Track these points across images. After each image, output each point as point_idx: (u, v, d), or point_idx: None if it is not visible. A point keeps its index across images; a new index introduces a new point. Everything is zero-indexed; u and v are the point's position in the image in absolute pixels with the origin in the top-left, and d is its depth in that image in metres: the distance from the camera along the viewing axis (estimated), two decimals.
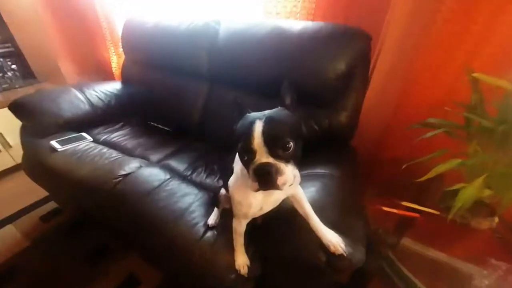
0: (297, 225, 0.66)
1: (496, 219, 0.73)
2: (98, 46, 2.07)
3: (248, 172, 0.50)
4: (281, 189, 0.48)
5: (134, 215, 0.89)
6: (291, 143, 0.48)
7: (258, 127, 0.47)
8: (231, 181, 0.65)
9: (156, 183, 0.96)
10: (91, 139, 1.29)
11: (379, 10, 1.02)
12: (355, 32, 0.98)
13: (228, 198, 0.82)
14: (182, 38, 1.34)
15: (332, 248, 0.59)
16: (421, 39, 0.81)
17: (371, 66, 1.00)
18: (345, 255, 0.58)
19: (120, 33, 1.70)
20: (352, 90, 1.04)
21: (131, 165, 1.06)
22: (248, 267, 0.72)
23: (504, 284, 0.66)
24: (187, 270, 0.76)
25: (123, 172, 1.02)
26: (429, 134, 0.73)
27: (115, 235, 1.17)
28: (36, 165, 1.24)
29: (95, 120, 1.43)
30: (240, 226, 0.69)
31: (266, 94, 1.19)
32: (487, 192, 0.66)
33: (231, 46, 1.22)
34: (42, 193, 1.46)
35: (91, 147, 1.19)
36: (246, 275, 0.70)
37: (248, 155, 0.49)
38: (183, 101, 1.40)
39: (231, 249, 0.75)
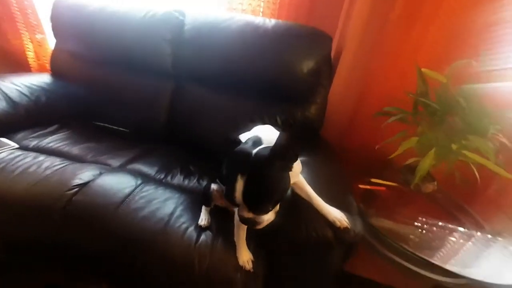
0: (302, 209, 0.68)
1: (436, 183, 0.94)
2: (5, 30, 1.60)
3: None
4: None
5: (104, 232, 0.73)
6: (271, 208, 0.50)
7: (240, 185, 0.46)
8: None
9: (128, 190, 0.82)
10: (16, 146, 0.99)
11: (334, 14, 1.18)
12: (320, 33, 1.09)
13: (221, 192, 0.78)
14: (139, 28, 1.19)
15: (338, 223, 0.63)
16: (376, 40, 0.97)
17: (334, 64, 1.13)
18: (350, 228, 0.63)
19: (39, 15, 1.37)
20: (320, 85, 1.15)
21: (88, 172, 0.87)
22: (253, 262, 0.69)
23: (437, 237, 0.85)
24: (190, 283, 0.67)
25: (78, 181, 0.82)
26: (390, 120, 0.89)
27: (72, 268, 0.91)
28: None
29: (17, 121, 1.10)
30: None
31: (240, 92, 1.18)
32: (432, 162, 0.84)
33: (200, 40, 1.15)
34: None
35: (19, 156, 0.90)
36: (252, 270, 0.68)
37: (232, 203, 0.51)
38: (143, 100, 1.24)
39: (232, 247, 0.71)
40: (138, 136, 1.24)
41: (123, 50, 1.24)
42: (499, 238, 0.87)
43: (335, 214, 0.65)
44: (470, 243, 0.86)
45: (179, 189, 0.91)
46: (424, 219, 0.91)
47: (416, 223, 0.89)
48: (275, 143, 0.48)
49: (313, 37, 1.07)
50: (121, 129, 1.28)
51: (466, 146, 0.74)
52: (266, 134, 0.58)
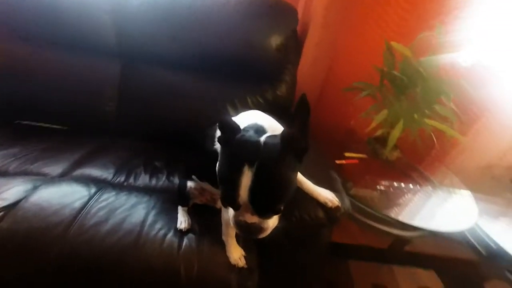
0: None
1: (399, 151, 1.03)
2: None
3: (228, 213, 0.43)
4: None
5: (52, 264, 0.57)
6: (282, 207, 0.42)
7: (246, 182, 0.37)
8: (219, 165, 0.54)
9: (79, 204, 0.65)
10: None
11: None
12: (286, 5, 1.02)
13: (200, 190, 0.70)
14: None
15: (329, 204, 0.63)
16: (342, 15, 0.95)
17: (300, 40, 1.09)
18: (340, 206, 0.63)
19: None
20: (289, 62, 1.10)
21: (14, 188, 0.66)
22: (246, 257, 0.65)
23: (397, 196, 0.95)
24: None
25: (1, 203, 0.62)
26: (361, 95, 0.90)
27: None
28: None
29: None
30: None
31: (205, 73, 1.05)
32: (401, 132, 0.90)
33: (150, 14, 0.96)
34: None
35: None
36: (246, 266, 0.64)
37: (230, 205, 0.41)
38: (84, 87, 1.01)
39: (220, 247, 0.65)
40: (81, 133, 1.01)
41: (54, 24, 0.96)
42: (445, 189, 1.02)
43: (326, 195, 0.63)
44: (423, 197, 0.97)
45: (146, 191, 0.78)
46: (387, 183, 1.00)
47: (380, 187, 0.96)
48: (287, 131, 0.40)
49: (279, 9, 1.00)
50: (57, 127, 1.03)
51: (428, 115, 0.81)
52: (267, 121, 0.50)
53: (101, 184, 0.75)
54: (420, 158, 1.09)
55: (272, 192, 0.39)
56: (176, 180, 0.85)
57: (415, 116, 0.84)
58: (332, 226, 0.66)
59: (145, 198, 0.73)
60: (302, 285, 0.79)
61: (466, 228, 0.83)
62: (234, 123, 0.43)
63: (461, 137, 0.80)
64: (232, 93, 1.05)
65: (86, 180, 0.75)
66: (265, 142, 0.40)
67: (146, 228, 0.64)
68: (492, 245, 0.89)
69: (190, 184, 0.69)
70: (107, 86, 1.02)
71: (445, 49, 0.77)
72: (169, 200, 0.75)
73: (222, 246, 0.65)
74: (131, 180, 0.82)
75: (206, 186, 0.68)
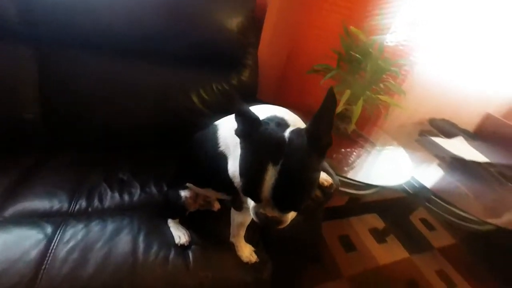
0: None
1: (353, 125, 1.18)
2: None
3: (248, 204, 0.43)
4: None
5: None
6: (303, 205, 0.41)
7: (270, 179, 0.36)
8: (233, 167, 0.49)
9: (36, 253, 0.50)
10: None
11: None
12: None
13: (195, 196, 0.64)
14: None
15: (325, 183, 0.68)
16: (301, 1, 0.94)
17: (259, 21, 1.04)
18: (334, 183, 0.70)
19: None
20: (249, 45, 1.04)
21: None
22: (255, 252, 0.66)
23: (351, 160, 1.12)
24: None
25: None
26: (325, 77, 0.96)
27: None
28: None
29: None
30: (249, 216, 0.58)
31: (163, 61, 0.89)
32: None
33: None
34: None
35: None
36: (258, 260, 0.65)
37: (251, 198, 0.41)
38: None
39: (228, 250, 0.63)
40: None
41: None
42: (385, 149, 1.25)
43: (321, 176, 0.68)
44: (370, 159, 1.18)
45: (122, 211, 0.66)
46: (344, 151, 1.15)
47: (339, 155, 1.11)
48: (313, 127, 0.38)
49: None
50: None
51: (378, 90, 0.94)
52: (287, 114, 0.47)
53: (57, 219, 0.58)
54: (364, 125, 1.29)
55: (296, 192, 0.38)
56: (154, 190, 0.74)
57: (368, 93, 0.97)
58: (327, 202, 0.73)
59: (125, 221, 0.62)
60: (299, 257, 0.86)
61: (406, 180, 1.06)
62: (253, 114, 0.40)
63: (402, 107, 0.98)
64: (196, 82, 0.94)
65: (32, 219, 0.57)
66: (289, 138, 0.38)
67: (140, 256, 0.56)
68: (415, 184, 1.17)
69: (184, 193, 0.62)
70: (20, 85, 0.74)
71: (382, 31, 0.89)
72: (154, 216, 0.66)
73: (228, 248, 0.63)
74: (96, 203, 0.67)
75: (204, 191, 0.63)
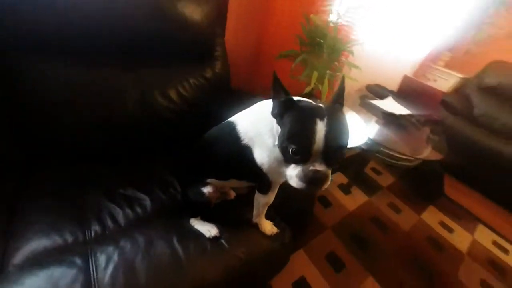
0: None
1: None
2: None
3: (290, 166, 0.47)
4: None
5: None
6: (344, 157, 0.46)
7: (320, 131, 0.42)
8: (265, 156, 0.56)
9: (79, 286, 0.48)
10: None
11: None
12: None
13: (217, 188, 0.69)
14: None
15: None
16: None
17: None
18: None
19: None
20: (217, 35, 1.04)
21: None
22: (274, 224, 0.76)
23: None
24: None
25: None
26: (296, 61, 1.06)
27: None
28: None
29: None
30: (272, 196, 0.66)
31: (137, 61, 0.84)
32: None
33: None
34: None
35: None
36: (278, 230, 0.75)
37: (300, 157, 0.45)
38: None
39: (253, 230, 0.72)
40: None
41: None
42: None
43: None
44: None
45: (143, 225, 0.66)
46: None
47: None
48: (336, 98, 0.50)
49: None
50: None
51: (338, 68, 1.11)
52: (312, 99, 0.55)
53: (80, 249, 0.55)
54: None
55: (343, 137, 0.45)
56: (163, 197, 0.75)
57: (329, 72, 1.12)
58: None
59: (151, 231, 0.63)
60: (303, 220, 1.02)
61: (366, 139, 1.30)
62: (288, 94, 0.48)
63: (358, 80, 1.18)
64: (173, 79, 0.92)
65: (53, 257, 0.52)
66: (325, 105, 0.48)
67: (182, 254, 0.60)
68: (368, 141, 1.46)
69: (206, 190, 0.66)
70: None
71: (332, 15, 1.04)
72: (175, 219, 0.68)
73: (252, 226, 0.73)
74: (111, 224, 0.64)
75: (227, 183, 0.68)
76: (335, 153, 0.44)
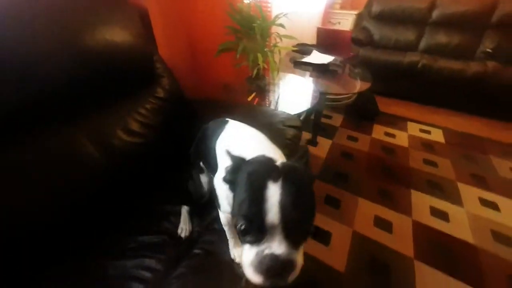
0: None
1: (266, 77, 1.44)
2: None
3: (245, 247, 0.35)
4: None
5: None
6: (312, 228, 0.36)
7: (273, 197, 0.32)
8: (217, 178, 0.54)
9: None
10: None
11: None
12: None
13: None
14: None
15: None
16: None
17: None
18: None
19: None
20: (151, 52, 0.98)
21: None
22: None
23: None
24: None
25: None
26: (238, 53, 1.08)
27: None
28: None
29: None
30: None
31: (69, 115, 0.72)
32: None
33: None
34: None
35: None
36: None
37: (250, 236, 0.34)
38: None
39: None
40: None
41: None
42: (291, 81, 1.63)
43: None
44: (283, 93, 1.53)
45: (175, 268, 0.66)
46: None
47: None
48: (302, 153, 0.43)
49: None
50: None
51: (272, 44, 1.20)
52: (275, 153, 0.49)
53: None
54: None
55: (304, 203, 0.34)
56: (174, 230, 0.74)
57: (266, 49, 1.21)
58: None
59: (189, 271, 0.64)
60: None
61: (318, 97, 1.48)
62: (238, 157, 0.41)
63: (293, 48, 1.28)
64: (127, 110, 0.86)
65: None
66: (281, 163, 0.38)
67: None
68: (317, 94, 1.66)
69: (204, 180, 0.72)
70: None
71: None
72: (202, 256, 0.69)
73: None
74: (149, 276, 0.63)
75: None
76: (298, 225, 0.33)
